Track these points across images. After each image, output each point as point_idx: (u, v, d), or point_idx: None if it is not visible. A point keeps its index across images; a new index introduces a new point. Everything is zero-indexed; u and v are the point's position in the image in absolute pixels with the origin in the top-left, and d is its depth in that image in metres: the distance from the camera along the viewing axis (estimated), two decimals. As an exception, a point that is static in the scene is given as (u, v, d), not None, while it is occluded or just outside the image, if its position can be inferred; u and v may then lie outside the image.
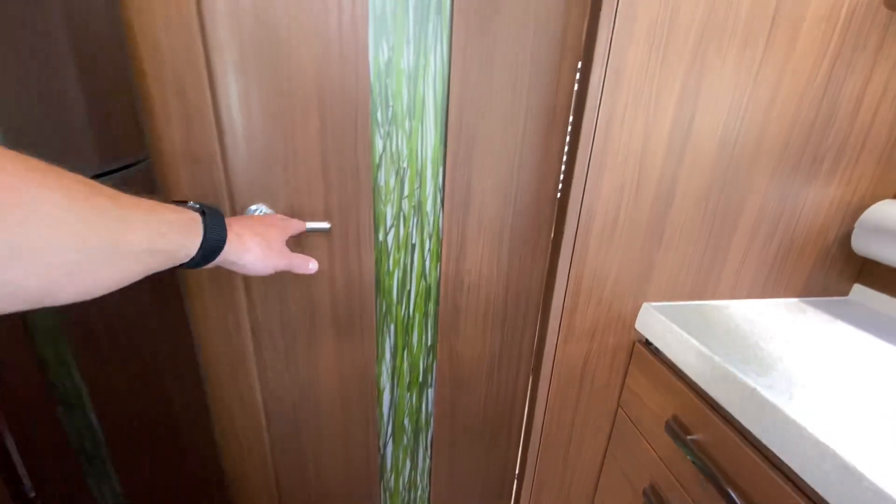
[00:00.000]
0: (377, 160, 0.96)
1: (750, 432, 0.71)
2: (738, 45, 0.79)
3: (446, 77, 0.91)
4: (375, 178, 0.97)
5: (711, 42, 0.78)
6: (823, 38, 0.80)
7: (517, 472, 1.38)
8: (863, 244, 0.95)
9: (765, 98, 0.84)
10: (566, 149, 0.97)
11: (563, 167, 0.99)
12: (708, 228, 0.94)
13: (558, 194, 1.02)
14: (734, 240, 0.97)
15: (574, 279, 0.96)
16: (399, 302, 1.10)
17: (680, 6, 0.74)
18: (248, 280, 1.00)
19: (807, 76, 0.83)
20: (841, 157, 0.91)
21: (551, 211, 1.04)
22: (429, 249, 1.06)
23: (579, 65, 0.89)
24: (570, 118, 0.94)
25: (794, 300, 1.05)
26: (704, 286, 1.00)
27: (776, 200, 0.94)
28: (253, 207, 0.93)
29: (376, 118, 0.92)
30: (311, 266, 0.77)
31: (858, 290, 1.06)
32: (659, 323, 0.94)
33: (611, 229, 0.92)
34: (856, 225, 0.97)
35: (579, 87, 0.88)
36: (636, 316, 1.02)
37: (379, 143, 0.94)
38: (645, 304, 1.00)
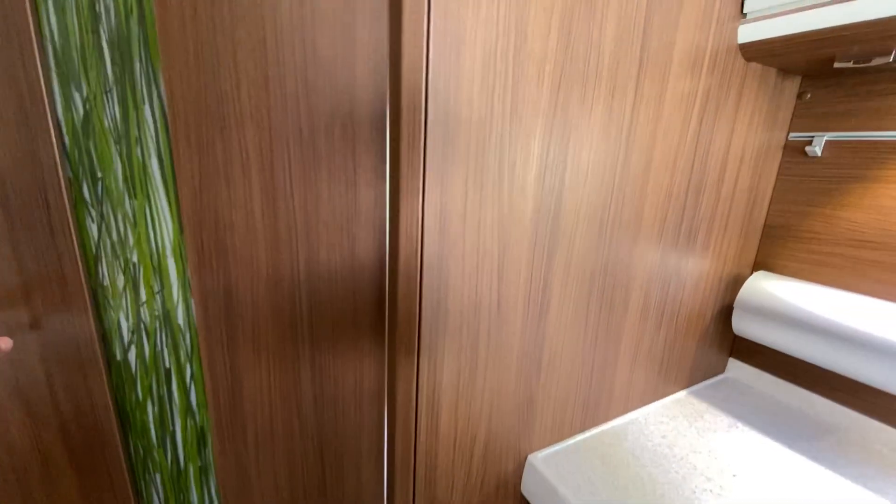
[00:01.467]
0: (92, 250, 0.67)
1: None
2: (605, 95, 0.52)
3: (168, 134, 0.61)
4: (93, 276, 0.68)
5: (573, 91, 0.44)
6: (690, 92, 0.66)
7: None
8: (744, 325, 0.89)
9: (639, 165, 0.63)
10: (390, 243, 0.61)
11: (387, 260, 0.62)
12: (592, 338, 0.71)
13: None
14: (622, 347, 0.78)
15: (427, 433, 0.56)
16: (160, 445, 0.76)
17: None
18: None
19: (678, 137, 0.67)
20: (712, 227, 0.83)
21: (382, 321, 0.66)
22: (191, 376, 0.72)
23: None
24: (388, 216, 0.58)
25: (683, 393, 0.95)
26: (596, 410, 0.77)
27: (660, 285, 0.78)
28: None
29: (82, 195, 0.65)
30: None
31: (733, 364, 1.03)
32: (544, 485, 0.67)
33: (470, 369, 0.52)
34: (735, 305, 0.89)
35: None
36: (521, 476, 0.74)
37: (92, 229, 0.66)
38: (530, 458, 0.72)
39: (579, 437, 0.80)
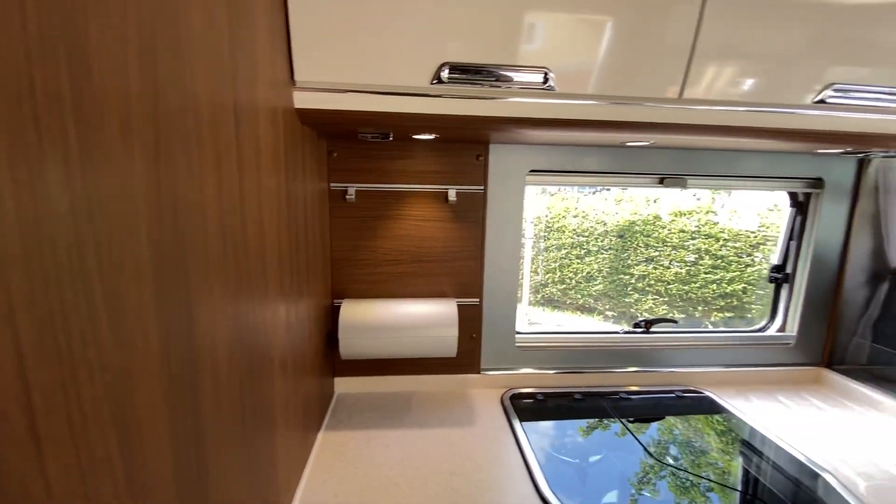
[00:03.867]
0: None
1: None
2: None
3: None
4: None
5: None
6: (275, 151, 0.63)
7: None
8: (349, 347, 0.99)
9: (254, 231, 0.54)
10: None
11: None
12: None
13: None
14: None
15: None
16: None
17: None
18: None
19: (275, 196, 0.63)
20: (308, 271, 0.84)
21: None
22: None
23: None
24: None
25: (320, 435, 0.96)
26: None
27: (287, 339, 0.69)
28: None
29: None
30: None
31: (339, 383, 1.14)
32: None
33: None
34: (340, 333, 0.98)
35: None
36: None
37: None
38: None
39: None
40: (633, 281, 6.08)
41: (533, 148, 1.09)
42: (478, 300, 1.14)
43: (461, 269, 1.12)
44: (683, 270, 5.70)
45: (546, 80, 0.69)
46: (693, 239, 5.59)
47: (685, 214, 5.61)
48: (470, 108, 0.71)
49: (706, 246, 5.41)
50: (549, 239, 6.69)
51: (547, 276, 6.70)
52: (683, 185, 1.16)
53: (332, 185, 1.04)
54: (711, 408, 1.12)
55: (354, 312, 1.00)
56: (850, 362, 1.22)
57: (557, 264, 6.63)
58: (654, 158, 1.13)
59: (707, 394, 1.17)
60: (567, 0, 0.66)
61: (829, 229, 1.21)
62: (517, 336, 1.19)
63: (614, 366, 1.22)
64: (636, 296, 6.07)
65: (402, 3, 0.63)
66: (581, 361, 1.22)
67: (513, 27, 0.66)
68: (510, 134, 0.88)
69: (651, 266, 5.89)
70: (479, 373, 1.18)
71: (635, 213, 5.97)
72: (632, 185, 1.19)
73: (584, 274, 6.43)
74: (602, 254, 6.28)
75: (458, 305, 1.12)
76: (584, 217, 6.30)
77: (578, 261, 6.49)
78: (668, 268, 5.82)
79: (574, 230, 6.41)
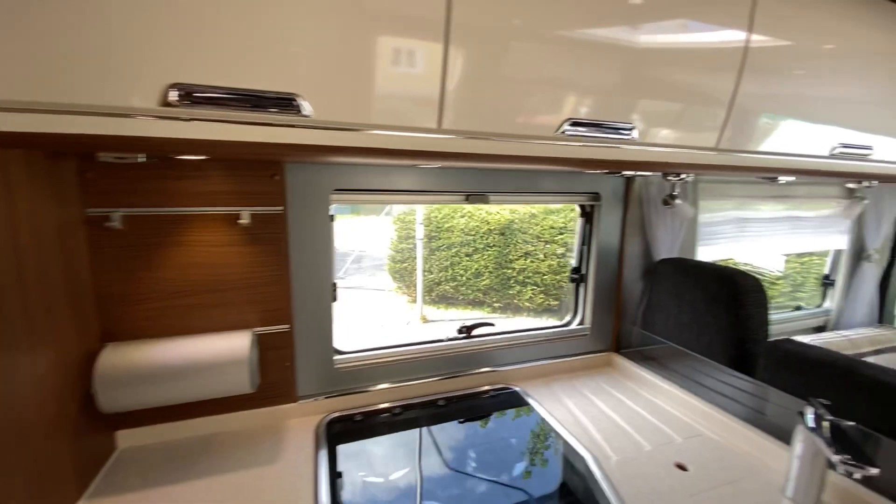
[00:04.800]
0: None
1: None
2: None
3: None
4: None
5: None
6: None
7: None
8: (113, 400, 0.86)
9: None
10: None
11: None
12: None
13: None
14: None
15: None
16: None
17: None
18: None
19: None
20: (35, 316, 0.72)
21: None
22: None
23: None
24: None
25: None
26: None
27: None
28: None
29: None
30: None
31: (123, 435, 0.99)
32: None
33: None
34: (96, 386, 0.84)
35: None
36: None
37: None
38: None
39: None
40: (514, 274, 6.55)
41: (337, 167, 1.06)
42: (287, 326, 1.08)
43: (266, 296, 1.05)
44: (556, 262, 6.31)
45: (295, 105, 0.65)
46: (561, 234, 6.22)
47: (553, 213, 6.21)
48: (206, 132, 0.64)
49: (573, 240, 6.02)
50: (440, 239, 6.87)
51: (440, 275, 6.88)
52: (486, 201, 1.24)
53: (88, 210, 0.88)
54: (518, 401, 1.22)
55: (119, 359, 0.86)
56: (629, 346, 1.44)
57: (449, 262, 6.85)
58: (464, 176, 1.19)
59: (517, 389, 1.27)
60: (321, 29, 0.63)
61: (608, 234, 1.40)
62: (337, 358, 1.16)
63: (438, 373, 1.26)
64: (518, 287, 6.56)
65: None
66: (405, 374, 1.23)
67: (254, 47, 0.61)
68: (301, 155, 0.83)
69: (529, 260, 6.41)
70: (295, 401, 1.12)
71: (514, 212, 6.43)
72: (440, 203, 1.24)
73: (473, 271, 6.74)
74: (487, 251, 6.65)
75: (266, 334, 1.05)
76: (470, 217, 6.60)
77: (468, 258, 6.78)
78: (544, 260, 6.39)
79: (462, 230, 6.68)
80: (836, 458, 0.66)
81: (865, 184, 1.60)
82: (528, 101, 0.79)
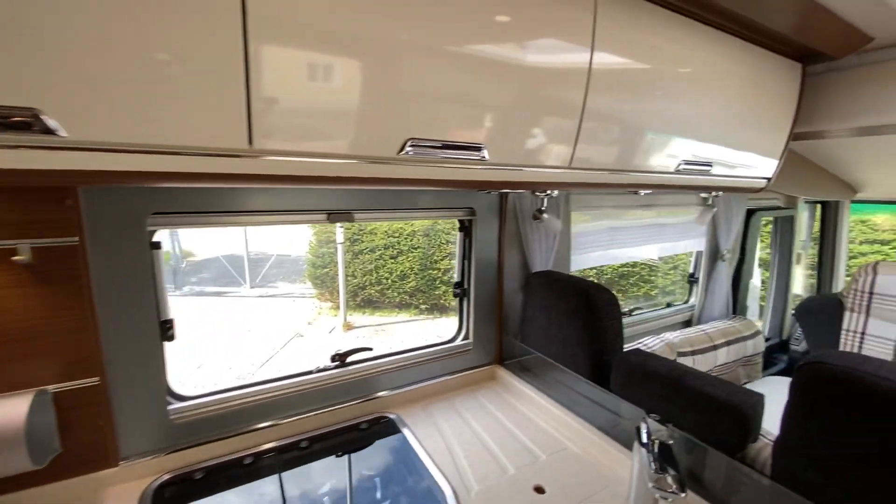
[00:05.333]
0: None
1: None
2: None
3: None
4: None
5: None
6: None
7: None
8: None
9: None
10: None
11: None
12: None
13: None
14: None
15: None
16: None
17: None
18: None
19: None
20: None
21: None
22: None
23: None
24: None
25: None
26: None
27: None
28: None
29: None
30: None
31: None
32: None
33: None
34: None
35: None
36: None
37: None
38: None
39: None
40: (440, 275, 6.56)
41: (155, 188, 0.90)
42: (97, 379, 0.89)
43: (64, 345, 0.85)
44: (478, 261, 6.43)
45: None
46: (482, 234, 6.35)
47: (474, 213, 6.31)
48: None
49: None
50: (362, 242, 6.66)
51: (365, 279, 6.67)
52: (351, 219, 1.15)
53: None
54: (392, 430, 1.15)
55: None
56: (512, 356, 1.44)
57: (373, 266, 6.66)
58: (326, 194, 1.09)
59: (392, 417, 1.20)
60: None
61: (487, 248, 1.38)
62: (174, 407, 0.99)
63: (305, 410, 1.15)
64: (444, 288, 6.58)
65: None
66: (263, 416, 1.10)
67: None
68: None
69: (454, 260, 6.47)
70: (116, 466, 0.93)
71: (437, 213, 6.43)
72: (298, 223, 1.12)
73: (399, 273, 6.63)
74: (412, 252, 6.58)
75: (67, 390, 0.86)
76: (392, 219, 6.48)
77: (392, 261, 6.64)
78: (467, 260, 6.48)
79: (385, 231, 6.54)
80: (650, 483, 0.67)
81: (714, 193, 1.77)
82: (367, 120, 0.71)
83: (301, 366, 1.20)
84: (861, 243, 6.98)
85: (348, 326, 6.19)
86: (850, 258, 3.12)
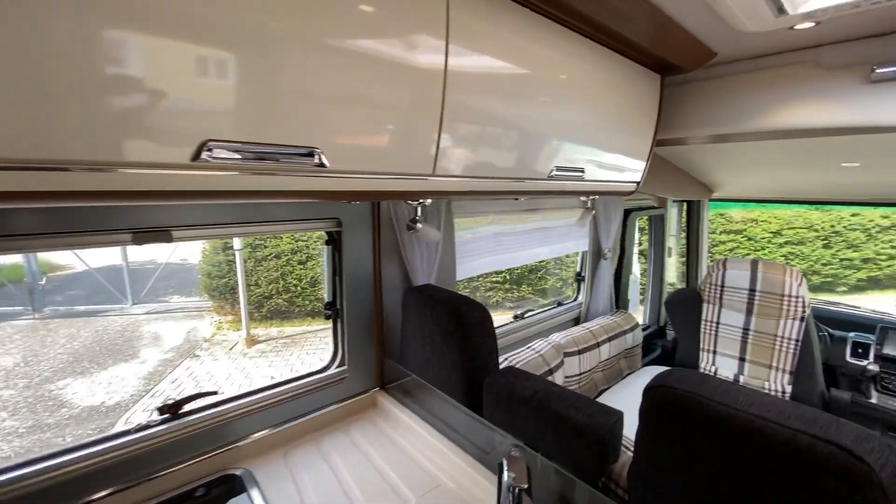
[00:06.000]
0: None
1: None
2: None
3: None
4: None
5: None
6: None
7: None
8: None
9: None
10: None
11: None
12: None
13: None
14: None
15: None
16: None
17: None
18: None
19: None
20: None
21: None
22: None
23: None
24: None
25: None
26: None
27: None
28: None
29: None
30: None
31: None
32: None
33: None
34: None
35: None
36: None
37: None
38: None
39: None
40: (354, 279, 6.27)
41: None
42: None
43: None
44: (393, 263, 6.26)
45: None
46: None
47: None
48: None
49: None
50: (266, 247, 6.08)
51: (270, 287, 6.10)
52: (168, 240, 0.92)
53: None
54: (237, 491, 0.95)
55: None
56: (394, 380, 1.32)
57: (279, 272, 6.12)
58: (134, 212, 0.85)
59: (238, 473, 1.00)
60: None
61: (360, 261, 1.23)
62: None
63: (127, 480, 0.89)
64: (359, 292, 6.31)
65: None
66: (70, 496, 0.83)
67: None
68: None
69: (367, 263, 6.21)
70: None
71: (348, 214, 6.11)
72: (93, 246, 0.86)
73: (309, 279, 6.18)
74: (323, 256, 6.19)
75: None
76: (299, 221, 6.01)
77: (301, 266, 6.16)
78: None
79: (291, 235, 6.04)
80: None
81: (592, 197, 1.83)
82: (155, 119, 0.51)
83: (131, 421, 0.93)
84: (721, 233, 8.20)
85: (251, 341, 5.61)
86: (713, 246, 3.55)
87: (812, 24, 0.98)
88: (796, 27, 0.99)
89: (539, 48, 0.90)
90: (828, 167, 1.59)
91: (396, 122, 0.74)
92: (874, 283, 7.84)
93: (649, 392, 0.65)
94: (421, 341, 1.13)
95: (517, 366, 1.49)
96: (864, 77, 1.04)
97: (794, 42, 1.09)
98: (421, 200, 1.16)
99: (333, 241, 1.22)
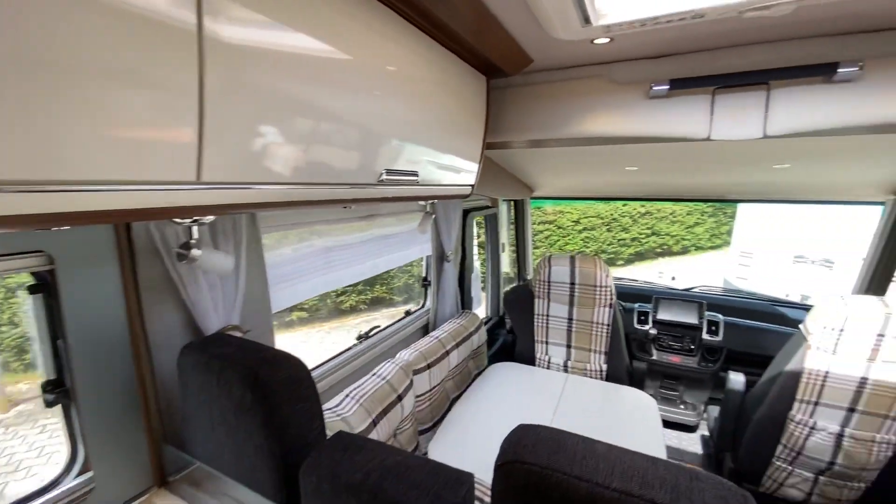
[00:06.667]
0: None
1: None
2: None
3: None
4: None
5: None
6: None
7: None
8: None
9: None
10: None
11: None
12: None
13: None
14: None
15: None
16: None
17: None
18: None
19: None
20: None
21: None
22: None
23: None
24: None
25: None
26: None
27: None
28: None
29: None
30: None
31: None
32: None
33: None
34: None
35: None
36: None
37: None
38: None
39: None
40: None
41: None
42: None
43: None
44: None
45: None
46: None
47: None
48: None
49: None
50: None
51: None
52: None
53: None
54: None
55: None
56: (181, 469, 0.94)
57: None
58: None
59: None
60: None
61: (101, 310, 0.81)
62: None
63: None
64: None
65: None
66: None
67: None
68: None
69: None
70: None
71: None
72: None
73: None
74: (28, 311, 4.71)
75: None
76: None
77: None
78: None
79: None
80: None
81: (431, 201, 1.72)
82: None
83: None
84: (539, 224, 9.65)
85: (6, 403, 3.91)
86: (534, 235, 4.02)
87: (608, 41, 1.03)
88: (595, 41, 1.02)
89: (358, 27, 0.70)
90: (616, 171, 1.84)
91: (121, 106, 0.42)
92: (639, 256, 10.46)
93: (501, 470, 0.52)
94: (208, 421, 0.79)
95: (361, 401, 1.28)
96: (645, 93, 1.16)
97: (595, 56, 1.15)
98: (196, 218, 0.82)
99: (44, 286, 0.77)
